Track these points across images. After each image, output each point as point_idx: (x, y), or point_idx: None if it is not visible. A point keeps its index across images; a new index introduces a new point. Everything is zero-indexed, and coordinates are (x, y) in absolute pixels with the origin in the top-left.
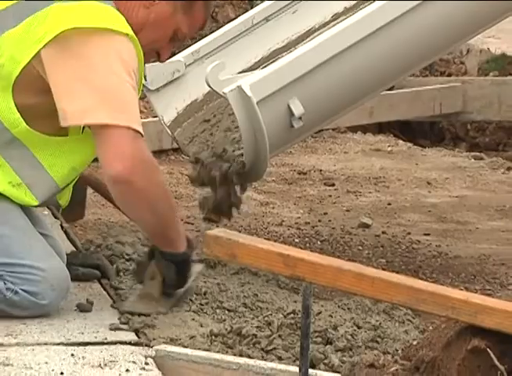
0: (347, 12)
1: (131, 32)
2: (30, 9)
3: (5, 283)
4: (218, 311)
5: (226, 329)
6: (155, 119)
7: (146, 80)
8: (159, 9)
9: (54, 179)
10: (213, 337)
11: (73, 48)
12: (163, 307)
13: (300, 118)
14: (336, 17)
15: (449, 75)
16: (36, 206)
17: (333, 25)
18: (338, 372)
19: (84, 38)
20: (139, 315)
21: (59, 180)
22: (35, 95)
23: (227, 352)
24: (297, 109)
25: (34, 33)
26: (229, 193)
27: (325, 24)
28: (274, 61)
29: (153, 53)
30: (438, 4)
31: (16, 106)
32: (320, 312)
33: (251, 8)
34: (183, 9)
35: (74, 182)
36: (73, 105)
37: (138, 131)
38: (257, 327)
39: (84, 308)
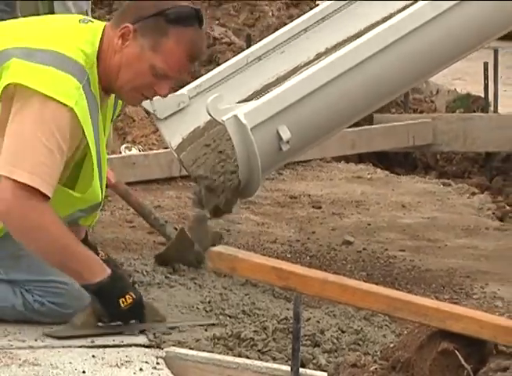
0: (329, 51)
1: (71, 104)
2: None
3: (33, 296)
4: (220, 317)
5: (227, 333)
6: (166, 150)
7: (152, 111)
8: (128, 51)
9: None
10: (216, 340)
11: (16, 103)
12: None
13: (287, 142)
14: (318, 56)
15: (421, 112)
16: None
17: (316, 63)
18: (325, 371)
19: (26, 97)
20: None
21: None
22: None
23: (228, 353)
24: (285, 134)
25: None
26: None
27: (309, 62)
28: (265, 93)
29: (142, 90)
30: (408, 45)
31: None
32: (309, 319)
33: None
34: (150, 47)
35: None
36: None
37: (21, 183)
38: (254, 331)
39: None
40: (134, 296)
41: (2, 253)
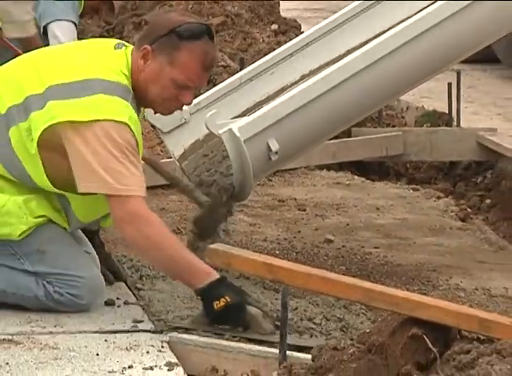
0: (312, 73)
1: (125, 119)
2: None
3: (53, 288)
4: None
5: None
6: (170, 159)
7: (158, 126)
8: (150, 69)
9: (78, 218)
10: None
11: (76, 137)
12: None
13: (276, 153)
14: (303, 77)
15: (393, 126)
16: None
17: (301, 83)
18: (309, 353)
19: (82, 130)
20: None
21: (82, 219)
22: (55, 164)
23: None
24: (274, 146)
25: (42, 120)
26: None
27: (295, 82)
28: (256, 110)
29: (170, 101)
30: (382, 65)
31: (44, 170)
32: (296, 308)
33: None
34: (167, 63)
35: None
36: (81, 178)
37: (127, 195)
38: None
39: (109, 302)
40: (228, 300)
41: (29, 248)
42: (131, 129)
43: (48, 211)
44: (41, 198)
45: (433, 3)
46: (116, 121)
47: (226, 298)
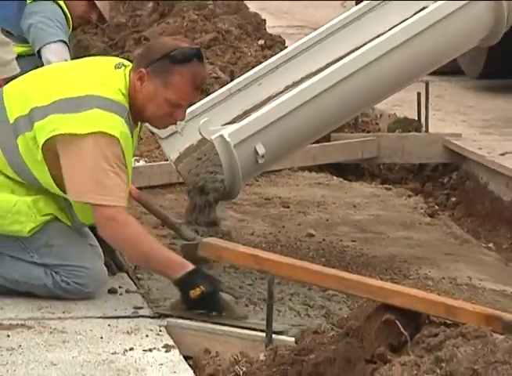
0: (295, 84)
1: (116, 133)
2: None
3: (60, 277)
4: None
5: None
6: (166, 162)
7: (156, 132)
8: (146, 90)
9: (80, 219)
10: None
11: (71, 148)
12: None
13: (262, 156)
14: (287, 88)
15: (368, 132)
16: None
17: (285, 93)
18: (293, 336)
19: (76, 142)
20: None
21: (84, 220)
22: (59, 168)
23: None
24: (261, 150)
25: (44, 131)
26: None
27: (279, 93)
28: (245, 118)
29: (165, 118)
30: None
31: (50, 173)
32: (283, 298)
33: (231, 80)
34: (162, 85)
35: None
36: (71, 188)
37: (107, 205)
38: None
39: (111, 290)
40: (203, 289)
41: (38, 243)
42: (119, 143)
43: (55, 209)
44: (48, 198)
45: (407, 19)
46: (107, 135)
47: (201, 287)
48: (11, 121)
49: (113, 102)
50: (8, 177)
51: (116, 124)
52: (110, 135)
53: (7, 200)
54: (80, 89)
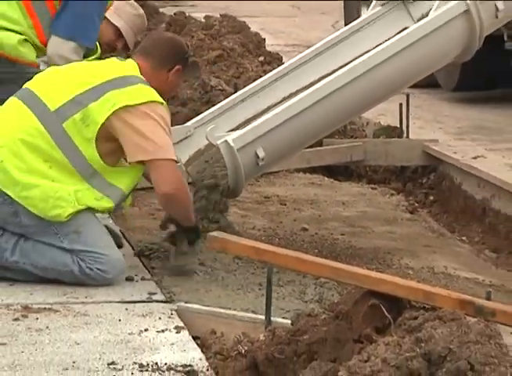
0: (291, 96)
1: (163, 101)
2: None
3: (85, 264)
4: (220, 283)
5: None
6: (177, 164)
7: None
8: (172, 80)
9: (122, 189)
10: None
11: (131, 117)
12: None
13: (262, 159)
14: (284, 99)
15: (356, 138)
16: (110, 209)
17: (282, 104)
18: (289, 319)
19: (139, 109)
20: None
21: (125, 189)
22: (108, 143)
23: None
24: (261, 153)
25: (104, 108)
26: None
27: (277, 103)
28: (247, 125)
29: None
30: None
31: (97, 150)
32: (280, 285)
33: (235, 92)
34: (180, 76)
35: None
36: (134, 150)
37: (173, 160)
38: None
39: (128, 278)
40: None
41: (69, 229)
42: (167, 109)
43: (91, 201)
44: (86, 190)
45: (392, 37)
46: (158, 102)
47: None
48: (52, 110)
49: (144, 80)
50: (51, 168)
51: (159, 96)
52: (161, 103)
53: (50, 187)
54: (117, 72)
